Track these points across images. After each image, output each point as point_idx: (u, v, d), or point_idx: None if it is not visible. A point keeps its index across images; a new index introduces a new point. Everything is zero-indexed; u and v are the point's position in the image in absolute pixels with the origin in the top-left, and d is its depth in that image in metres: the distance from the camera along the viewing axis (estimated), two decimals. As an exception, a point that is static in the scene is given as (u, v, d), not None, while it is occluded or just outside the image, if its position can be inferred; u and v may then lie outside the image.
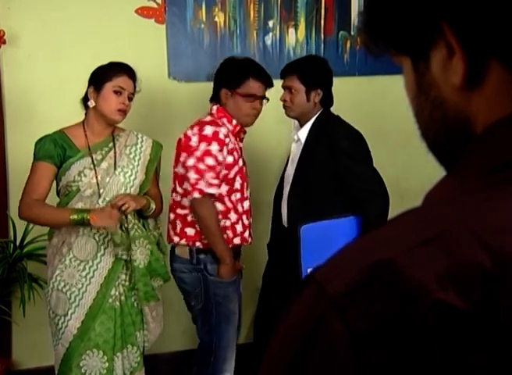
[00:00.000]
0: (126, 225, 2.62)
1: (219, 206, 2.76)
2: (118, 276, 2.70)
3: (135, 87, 2.67)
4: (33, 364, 3.39)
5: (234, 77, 2.75)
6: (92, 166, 2.65)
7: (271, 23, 3.44)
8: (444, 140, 0.61)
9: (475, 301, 0.48)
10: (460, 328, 0.47)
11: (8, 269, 3.10)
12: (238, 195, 2.80)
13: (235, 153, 2.76)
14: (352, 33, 3.53)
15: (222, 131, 2.69)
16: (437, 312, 0.47)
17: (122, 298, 2.71)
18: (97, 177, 2.64)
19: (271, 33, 3.45)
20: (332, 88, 2.87)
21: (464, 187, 0.56)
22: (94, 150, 2.67)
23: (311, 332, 0.51)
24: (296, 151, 2.91)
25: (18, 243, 3.16)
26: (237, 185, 2.79)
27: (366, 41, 0.62)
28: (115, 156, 2.69)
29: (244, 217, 2.83)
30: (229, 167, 2.74)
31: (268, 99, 2.80)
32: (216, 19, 3.38)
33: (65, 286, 2.64)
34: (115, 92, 2.60)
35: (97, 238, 2.64)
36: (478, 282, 0.48)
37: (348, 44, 3.53)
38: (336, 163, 2.73)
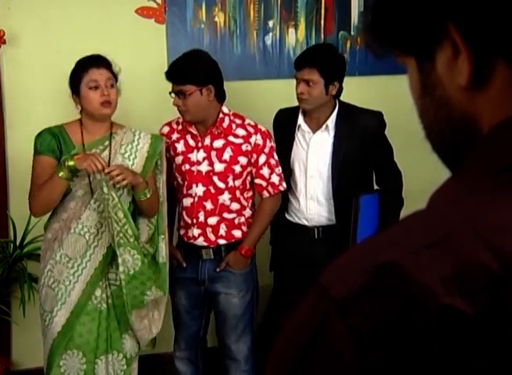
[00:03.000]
0: (116, 222, 2.52)
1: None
2: (107, 277, 2.68)
3: (112, 72, 2.63)
4: (33, 364, 3.38)
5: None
6: None
7: (271, 23, 3.44)
8: (449, 140, 0.61)
9: (480, 304, 0.47)
10: (462, 331, 0.47)
11: (8, 269, 3.10)
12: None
13: None
14: (352, 33, 3.52)
15: None
16: (441, 315, 0.47)
17: (110, 300, 2.68)
18: (89, 177, 2.60)
19: (271, 33, 3.44)
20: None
21: (468, 189, 0.56)
22: (89, 148, 2.65)
23: (313, 333, 0.52)
24: (318, 141, 2.89)
25: (18, 243, 3.15)
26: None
27: (369, 41, 0.62)
28: (109, 156, 2.66)
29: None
30: None
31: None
32: (216, 19, 3.38)
33: (53, 282, 2.64)
34: (91, 88, 2.58)
35: (87, 237, 2.63)
36: (483, 284, 0.48)
37: (348, 44, 3.53)
38: (370, 144, 2.86)
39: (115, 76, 2.65)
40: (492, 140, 0.56)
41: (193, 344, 3.02)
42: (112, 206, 2.51)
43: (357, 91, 3.35)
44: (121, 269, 2.58)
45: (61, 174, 2.50)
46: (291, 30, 3.46)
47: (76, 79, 2.61)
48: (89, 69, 2.59)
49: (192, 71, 2.69)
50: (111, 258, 2.66)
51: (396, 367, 0.48)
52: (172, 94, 2.72)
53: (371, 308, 0.49)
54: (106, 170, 2.48)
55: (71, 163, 2.48)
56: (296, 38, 3.47)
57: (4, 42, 3.09)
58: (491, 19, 0.53)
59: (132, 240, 2.57)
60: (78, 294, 2.63)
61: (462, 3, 0.54)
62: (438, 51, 0.57)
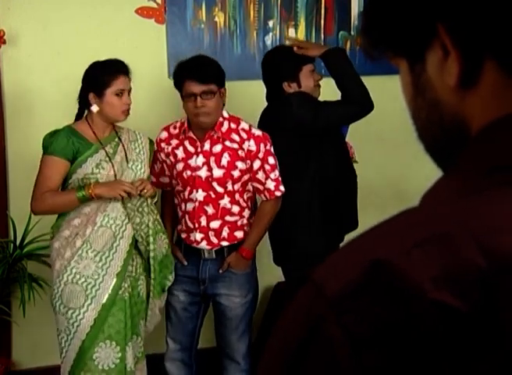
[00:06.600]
0: (150, 216, 2.73)
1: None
2: (126, 268, 2.73)
3: (130, 78, 2.71)
4: (33, 364, 3.39)
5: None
6: (108, 158, 2.69)
7: (271, 23, 3.44)
8: (441, 141, 0.61)
9: (473, 303, 0.47)
10: (458, 329, 0.47)
11: (8, 269, 3.10)
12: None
13: None
14: (352, 33, 3.52)
15: None
16: (435, 313, 0.47)
17: (130, 289, 2.74)
18: (114, 169, 2.69)
19: (271, 33, 3.44)
20: (333, 88, 2.91)
21: (460, 188, 0.56)
22: (105, 143, 2.72)
23: (308, 334, 0.51)
24: None
25: (18, 243, 3.15)
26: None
27: (366, 44, 0.62)
28: (124, 150, 2.75)
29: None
30: None
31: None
32: (216, 19, 3.38)
33: (80, 278, 2.65)
34: (117, 95, 2.64)
35: (113, 229, 2.67)
36: (475, 283, 0.48)
37: (348, 44, 3.53)
38: None
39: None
40: (483, 140, 0.57)
41: (188, 345, 2.98)
42: (149, 204, 2.75)
43: (357, 91, 3.34)
44: (152, 254, 2.74)
45: (78, 195, 2.60)
46: (291, 30, 3.47)
47: (102, 81, 2.63)
48: (119, 75, 2.63)
49: (215, 70, 2.67)
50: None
51: (396, 369, 0.48)
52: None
53: (367, 310, 0.49)
54: (136, 193, 2.64)
55: (88, 193, 2.59)
56: (296, 38, 3.47)
57: (4, 42, 3.10)
58: (479, 20, 0.53)
59: (162, 226, 2.82)
60: (110, 286, 2.67)
61: (451, 5, 0.54)
62: (428, 52, 0.58)
